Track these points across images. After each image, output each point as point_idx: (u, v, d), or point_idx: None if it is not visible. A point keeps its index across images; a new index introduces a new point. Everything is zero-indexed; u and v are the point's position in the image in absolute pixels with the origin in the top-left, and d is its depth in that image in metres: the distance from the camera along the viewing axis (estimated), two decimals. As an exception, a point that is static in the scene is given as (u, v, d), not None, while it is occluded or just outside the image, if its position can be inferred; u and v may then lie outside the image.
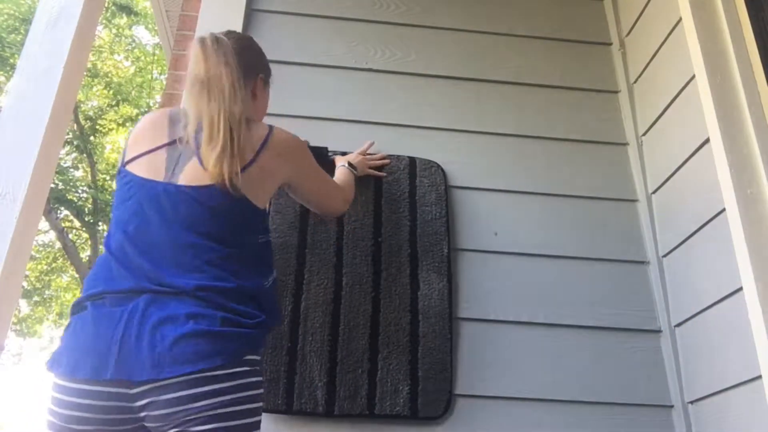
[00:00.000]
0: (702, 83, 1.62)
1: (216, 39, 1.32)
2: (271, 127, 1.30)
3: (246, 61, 1.36)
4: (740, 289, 1.45)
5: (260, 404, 1.16)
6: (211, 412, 1.05)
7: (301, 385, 1.57)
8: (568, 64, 2.11)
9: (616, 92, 2.08)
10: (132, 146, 1.28)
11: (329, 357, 1.60)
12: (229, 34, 1.39)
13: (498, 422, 1.63)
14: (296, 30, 2.04)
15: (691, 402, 1.65)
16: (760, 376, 1.37)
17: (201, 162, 1.20)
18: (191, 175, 1.20)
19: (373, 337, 1.63)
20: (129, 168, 1.25)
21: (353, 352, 1.61)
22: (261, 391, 1.16)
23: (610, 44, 2.16)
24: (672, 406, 1.69)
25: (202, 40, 1.32)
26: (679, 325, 1.73)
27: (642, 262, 1.86)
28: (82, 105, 10.38)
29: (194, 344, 1.06)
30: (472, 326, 1.72)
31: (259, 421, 1.15)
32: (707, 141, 1.60)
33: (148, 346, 1.05)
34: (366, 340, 1.63)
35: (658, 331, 1.77)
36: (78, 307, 1.15)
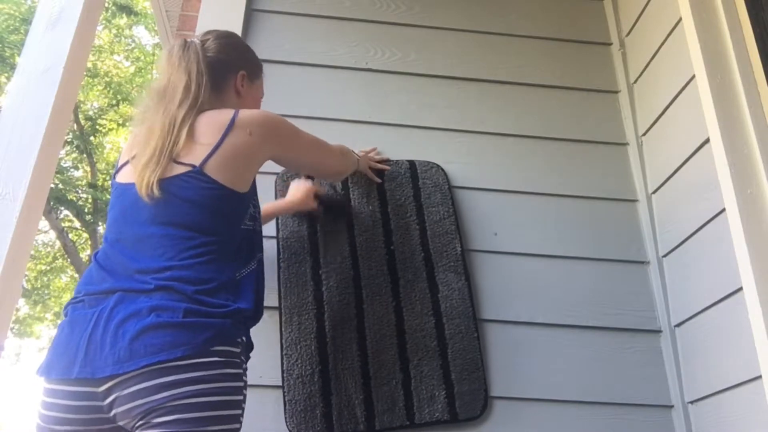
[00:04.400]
0: (702, 83, 1.62)
1: (184, 45, 1.34)
2: (236, 110, 1.27)
3: (220, 61, 1.36)
4: (740, 289, 1.45)
5: (238, 397, 1.11)
6: (173, 403, 1.03)
7: (339, 406, 1.54)
8: (568, 64, 2.10)
9: (616, 92, 2.08)
10: (120, 160, 1.33)
11: (362, 373, 1.58)
12: (208, 33, 1.40)
13: (495, 422, 1.62)
14: (296, 30, 2.03)
15: (691, 402, 1.65)
16: (760, 376, 1.38)
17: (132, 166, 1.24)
18: (162, 170, 1.21)
19: (401, 346, 1.62)
20: (116, 179, 1.30)
21: (384, 364, 1.60)
22: (239, 383, 1.12)
23: (610, 44, 2.16)
24: (672, 406, 1.69)
25: (170, 49, 1.34)
26: (679, 325, 1.73)
27: (642, 262, 1.86)
28: (82, 105, 10.37)
29: (154, 336, 1.06)
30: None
31: (238, 415, 1.11)
32: (707, 141, 1.60)
33: (111, 342, 1.06)
34: (395, 350, 1.61)
35: (658, 331, 1.77)
36: (63, 313, 1.20)
